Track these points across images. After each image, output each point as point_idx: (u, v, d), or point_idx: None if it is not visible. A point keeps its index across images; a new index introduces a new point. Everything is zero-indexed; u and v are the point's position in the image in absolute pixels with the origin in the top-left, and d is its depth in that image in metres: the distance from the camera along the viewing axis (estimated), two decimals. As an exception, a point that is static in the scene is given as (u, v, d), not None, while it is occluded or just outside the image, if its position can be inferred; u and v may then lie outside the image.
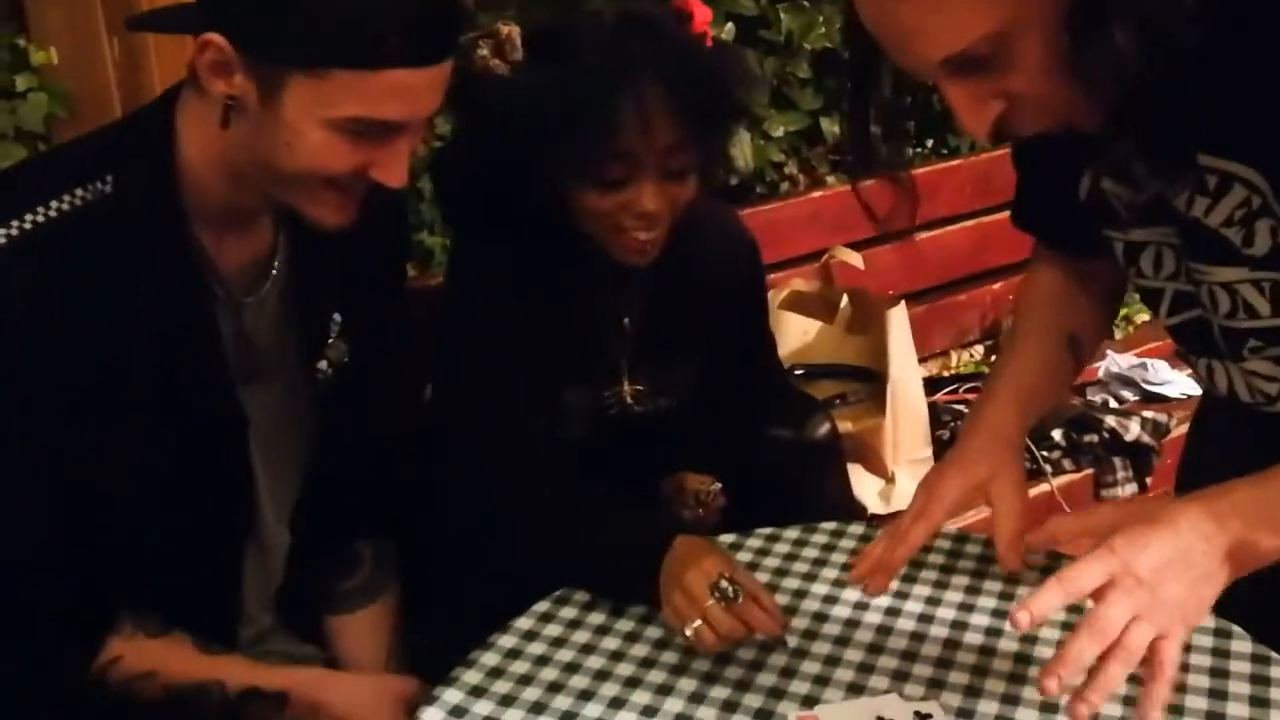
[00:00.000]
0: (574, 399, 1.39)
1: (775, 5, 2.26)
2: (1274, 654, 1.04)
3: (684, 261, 1.39)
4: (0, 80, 1.72)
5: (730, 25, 2.20)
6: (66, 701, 1.07)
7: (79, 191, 1.03)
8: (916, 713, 0.98)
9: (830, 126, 2.44)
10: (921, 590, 1.15)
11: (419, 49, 1.00)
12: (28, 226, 1.00)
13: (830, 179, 2.51)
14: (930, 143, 2.64)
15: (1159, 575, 0.82)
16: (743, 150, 2.25)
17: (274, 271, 1.15)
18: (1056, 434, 2.21)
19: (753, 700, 1.02)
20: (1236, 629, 1.06)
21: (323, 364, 1.18)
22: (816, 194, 2.39)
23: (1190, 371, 1.13)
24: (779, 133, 2.33)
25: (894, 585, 1.11)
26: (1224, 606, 0.93)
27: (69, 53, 1.78)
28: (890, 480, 2.05)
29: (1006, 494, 1.05)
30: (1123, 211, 0.99)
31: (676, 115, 1.22)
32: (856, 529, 1.27)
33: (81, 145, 1.13)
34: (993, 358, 2.64)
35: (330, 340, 1.19)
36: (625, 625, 1.13)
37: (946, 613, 1.12)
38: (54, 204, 1.02)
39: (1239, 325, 0.97)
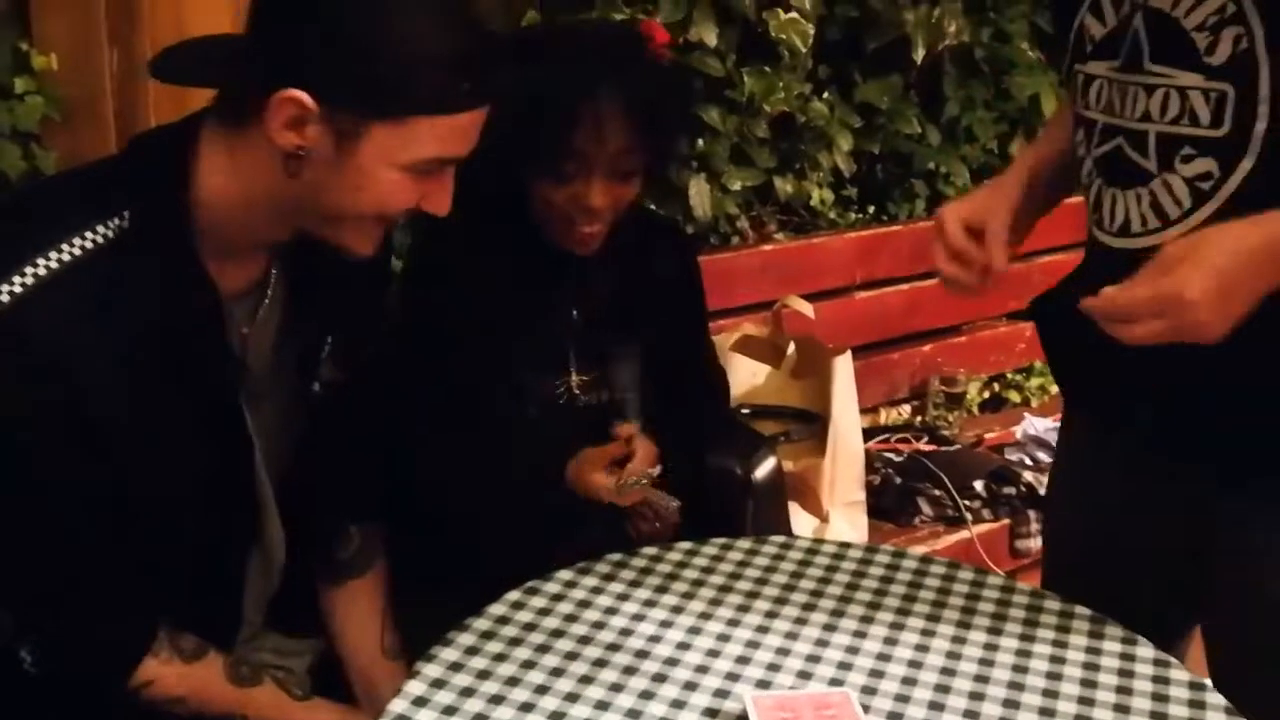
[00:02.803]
0: (530, 381, 1.50)
1: (740, 69, 2.40)
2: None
3: (628, 261, 1.53)
4: (1, 81, 1.78)
5: (699, 83, 2.33)
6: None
7: (99, 229, 1.04)
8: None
9: (783, 185, 2.58)
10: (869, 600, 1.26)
11: (484, 89, 1.06)
12: (54, 265, 1.01)
13: (778, 235, 2.65)
14: (872, 209, 2.80)
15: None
16: (701, 200, 2.37)
17: (268, 298, 1.18)
18: (978, 485, 2.36)
19: (711, 681, 1.11)
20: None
21: (316, 385, 1.23)
22: (767, 247, 2.53)
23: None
24: (736, 187, 2.46)
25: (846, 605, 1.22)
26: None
27: (69, 59, 1.84)
28: (825, 520, 2.16)
29: (999, 213, 1.21)
30: (1088, 45, 1.13)
31: (629, 123, 1.37)
32: (803, 544, 1.37)
33: (94, 176, 1.14)
34: (918, 418, 2.79)
35: (322, 360, 1.24)
36: (592, 615, 1.21)
37: (888, 617, 1.22)
38: (76, 241, 1.03)
39: (1179, 131, 1.06)
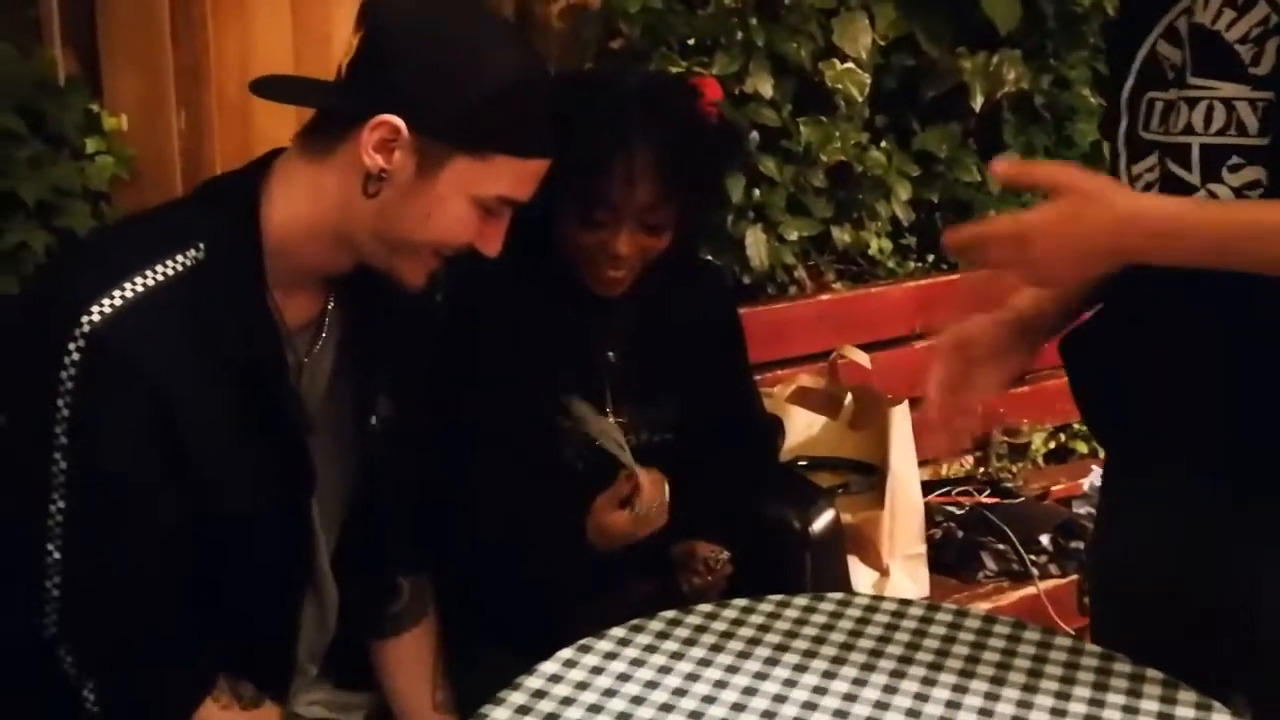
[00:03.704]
0: (568, 424, 1.50)
1: (796, 119, 2.40)
2: None
3: (666, 302, 1.53)
4: (73, 141, 1.83)
5: (755, 134, 2.33)
6: None
7: (179, 257, 1.11)
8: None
9: (840, 235, 2.57)
10: (926, 673, 1.23)
11: (556, 140, 1.15)
12: (139, 289, 1.08)
13: (836, 285, 2.63)
14: (931, 257, 2.77)
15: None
16: (758, 250, 2.37)
17: (324, 333, 1.23)
18: (1044, 539, 2.29)
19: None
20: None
21: (372, 420, 1.26)
22: (824, 297, 2.51)
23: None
24: (793, 236, 2.45)
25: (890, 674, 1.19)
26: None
27: (138, 120, 1.89)
28: (885, 574, 2.12)
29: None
30: (1170, 72, 1.13)
31: (661, 177, 1.39)
32: (862, 600, 1.34)
33: (174, 212, 1.23)
34: (981, 470, 2.74)
35: (379, 397, 1.27)
36: (645, 674, 1.19)
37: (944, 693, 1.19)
38: (159, 268, 1.10)
39: (1225, 142, 1.08)
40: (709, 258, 2.30)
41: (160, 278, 1.09)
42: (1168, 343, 1.16)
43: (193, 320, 1.09)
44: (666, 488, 1.48)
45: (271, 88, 1.20)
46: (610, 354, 1.55)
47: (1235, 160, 1.08)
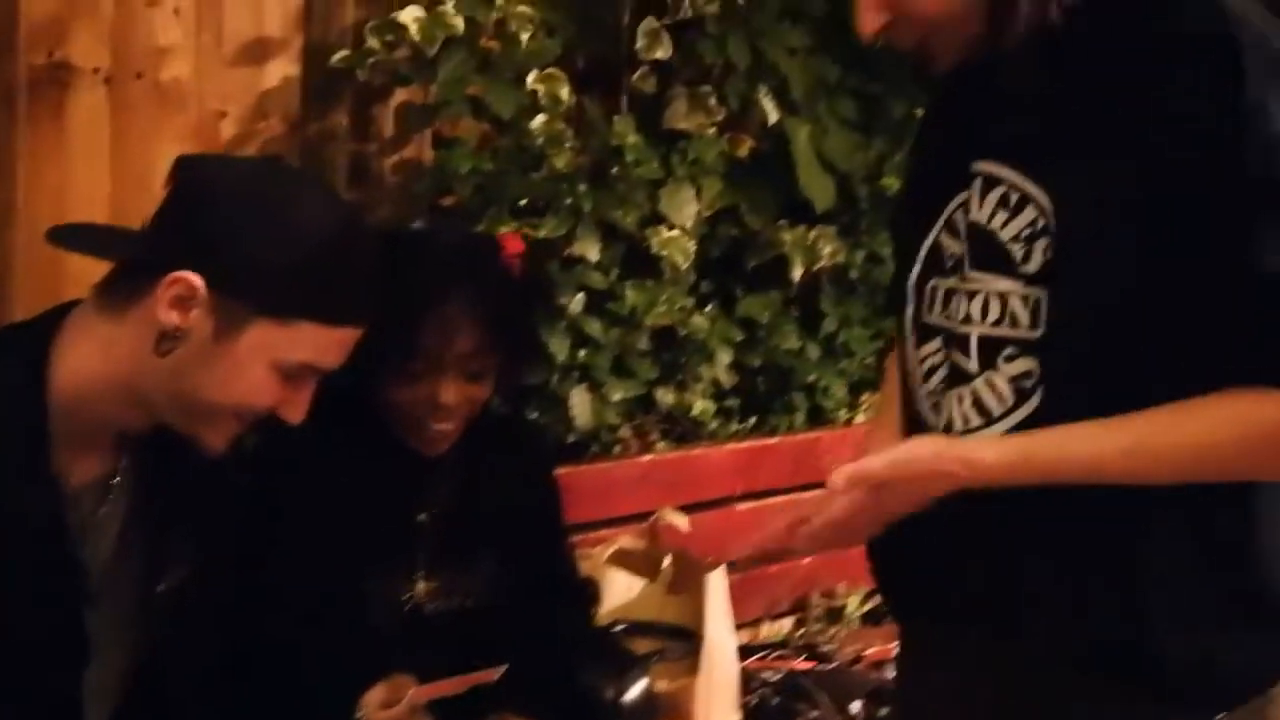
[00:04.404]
0: (376, 590, 1.48)
1: (622, 282, 2.46)
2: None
3: (483, 465, 1.52)
4: None
5: (581, 295, 2.37)
6: None
7: None
8: None
9: (664, 396, 2.61)
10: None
11: (368, 310, 1.12)
12: None
13: (660, 445, 2.66)
14: (753, 420, 2.84)
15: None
16: (583, 410, 2.38)
17: (112, 493, 1.16)
18: (854, 706, 2.32)
19: None
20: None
21: (159, 586, 1.20)
22: (647, 458, 2.53)
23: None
24: (617, 397, 2.48)
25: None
26: None
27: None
28: (700, 743, 2.09)
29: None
30: (948, 260, 1.19)
31: (477, 324, 1.41)
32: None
33: None
34: (801, 630, 2.77)
35: (169, 562, 1.20)
36: None
37: None
38: None
39: (1001, 334, 1.12)
40: (533, 416, 2.30)
41: None
42: (958, 512, 1.19)
43: None
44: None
45: (68, 237, 1.17)
46: (421, 517, 1.52)
47: (1010, 351, 1.12)
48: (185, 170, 1.11)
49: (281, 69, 2.21)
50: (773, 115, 2.57)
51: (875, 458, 1.12)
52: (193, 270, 1.04)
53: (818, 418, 2.88)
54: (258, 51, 2.18)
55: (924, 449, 1.12)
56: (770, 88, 2.55)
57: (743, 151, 2.62)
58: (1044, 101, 1.10)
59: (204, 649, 1.26)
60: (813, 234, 2.71)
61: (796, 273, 2.72)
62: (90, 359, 1.09)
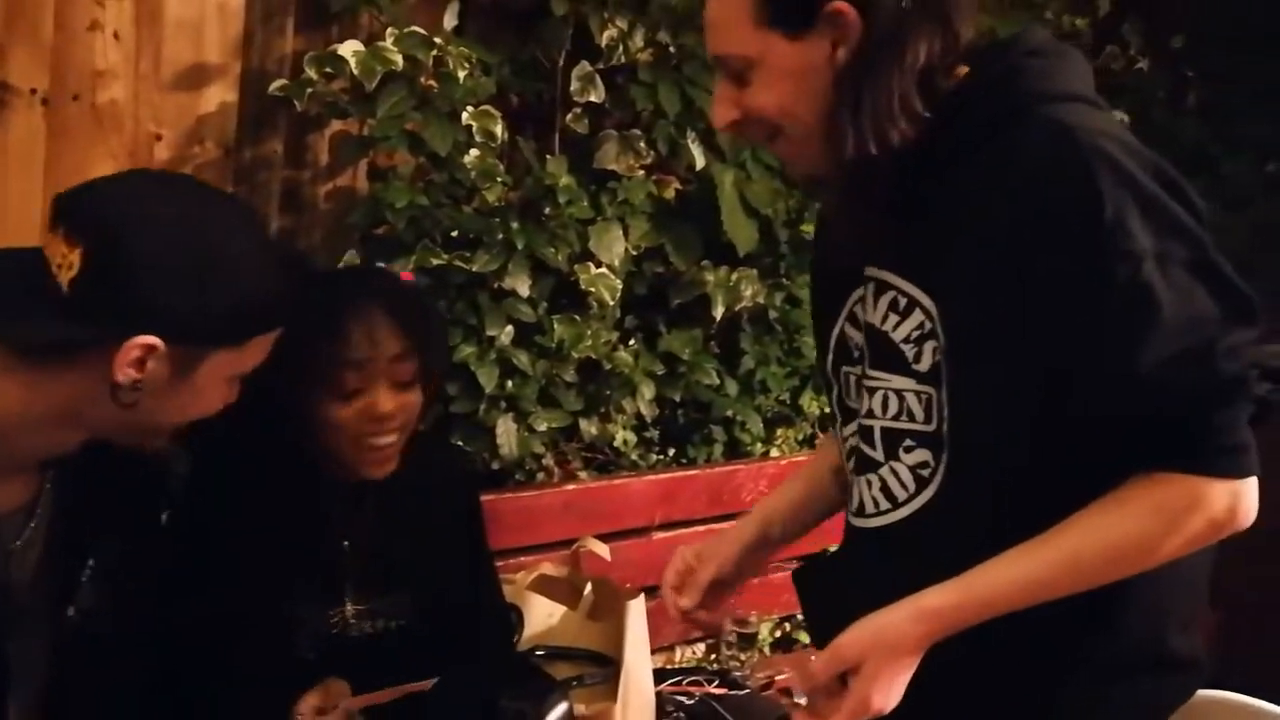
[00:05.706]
0: (303, 614, 1.52)
1: (551, 316, 2.52)
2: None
3: (407, 490, 1.57)
4: None
5: (510, 328, 2.43)
6: None
7: None
8: None
9: (588, 426, 2.67)
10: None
11: (302, 333, 1.24)
12: None
13: (583, 474, 2.72)
14: (672, 451, 2.92)
15: None
16: (509, 440, 2.43)
17: (33, 522, 1.17)
18: None
19: None
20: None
21: (71, 610, 1.20)
22: (570, 486, 2.59)
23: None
24: (543, 427, 2.53)
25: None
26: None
27: None
28: (616, 766, 2.14)
29: (708, 563, 1.43)
30: (855, 351, 1.25)
31: (396, 328, 1.49)
32: (590, 800, 1.37)
33: None
34: (713, 655, 2.83)
35: (82, 585, 1.21)
36: None
37: None
38: None
39: (900, 427, 1.19)
40: (458, 444, 2.35)
41: None
42: (892, 576, 1.22)
43: None
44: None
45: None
46: (346, 543, 1.56)
47: (909, 443, 1.20)
48: (96, 227, 1.06)
49: (219, 95, 2.24)
50: (700, 160, 2.67)
51: (816, 659, 1.22)
52: (148, 333, 1.05)
53: (735, 450, 2.97)
54: (196, 77, 2.21)
55: (855, 633, 1.16)
56: (698, 134, 2.65)
57: (670, 194, 2.72)
58: (922, 210, 1.14)
59: (121, 673, 1.27)
60: (735, 275, 2.80)
61: (718, 312, 2.80)
62: (7, 398, 1.07)
